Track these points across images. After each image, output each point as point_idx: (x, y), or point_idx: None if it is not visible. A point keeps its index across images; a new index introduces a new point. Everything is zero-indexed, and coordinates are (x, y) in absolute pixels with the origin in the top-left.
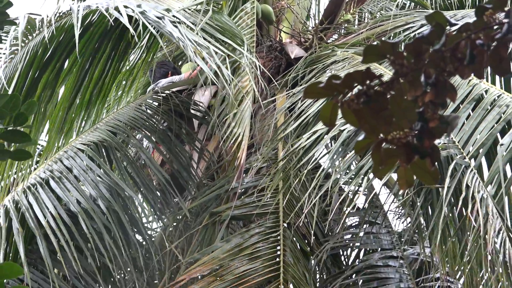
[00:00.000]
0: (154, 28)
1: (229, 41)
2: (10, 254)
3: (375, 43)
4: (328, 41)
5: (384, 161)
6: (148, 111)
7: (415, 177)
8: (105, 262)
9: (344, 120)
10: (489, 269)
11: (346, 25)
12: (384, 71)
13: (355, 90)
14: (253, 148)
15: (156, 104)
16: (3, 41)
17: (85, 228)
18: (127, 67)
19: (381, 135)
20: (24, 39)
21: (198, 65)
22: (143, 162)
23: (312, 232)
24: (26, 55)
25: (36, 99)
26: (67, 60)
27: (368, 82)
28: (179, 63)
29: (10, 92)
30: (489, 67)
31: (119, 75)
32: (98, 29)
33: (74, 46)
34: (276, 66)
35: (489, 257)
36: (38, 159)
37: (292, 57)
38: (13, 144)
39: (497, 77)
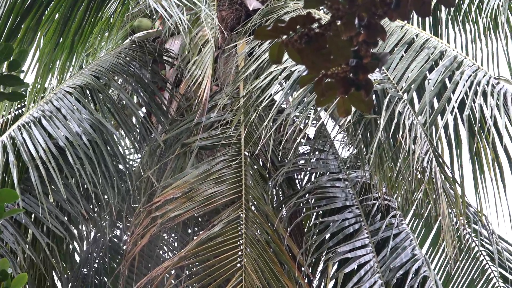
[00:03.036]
0: None
1: None
2: (8, 183)
3: None
4: None
5: (325, 93)
6: (127, 58)
7: (352, 107)
8: (89, 188)
9: (291, 59)
10: (419, 185)
11: None
12: (322, 15)
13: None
14: (218, 88)
15: (133, 51)
16: None
17: (71, 159)
18: (104, 18)
19: (322, 70)
20: None
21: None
22: (123, 103)
23: (269, 159)
24: (5, 2)
25: (17, 42)
26: (49, 7)
27: (309, 24)
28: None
29: None
30: (413, 11)
31: (98, 23)
32: None
33: None
34: (237, 17)
35: (419, 176)
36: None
37: (251, 9)
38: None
39: (427, 23)
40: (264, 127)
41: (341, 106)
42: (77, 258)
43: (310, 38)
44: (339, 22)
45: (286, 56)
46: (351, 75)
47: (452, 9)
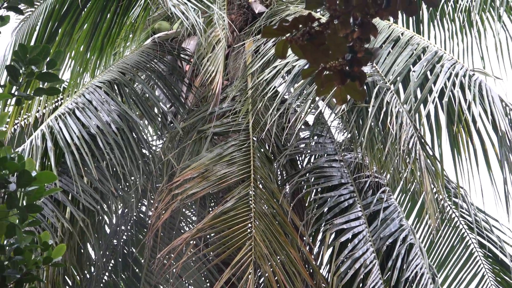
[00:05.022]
0: None
1: (204, 0)
2: (47, 166)
3: None
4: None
5: (324, 84)
6: (149, 56)
7: (348, 96)
8: (118, 170)
9: (294, 55)
10: (404, 165)
11: None
12: (322, 16)
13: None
14: (229, 82)
15: (154, 51)
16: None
17: (102, 145)
18: (129, 22)
19: (322, 64)
20: None
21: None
22: (146, 96)
23: (274, 143)
24: (45, 10)
25: (56, 45)
26: (82, 14)
27: (310, 23)
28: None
29: (33, 39)
30: (401, 10)
31: (124, 27)
32: None
33: (86, 3)
34: (244, 19)
35: (405, 156)
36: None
37: (256, 12)
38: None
39: (410, 23)
40: (269, 115)
41: (338, 95)
42: (108, 231)
43: (311, 35)
44: (336, 21)
45: (288, 52)
46: (347, 68)
47: (432, 8)
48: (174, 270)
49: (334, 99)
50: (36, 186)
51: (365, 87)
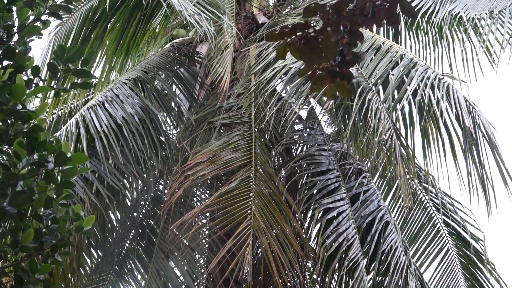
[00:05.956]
0: (165, 1)
1: (215, 11)
2: (79, 150)
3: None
4: (283, 12)
5: (317, 82)
6: (168, 58)
7: (337, 93)
8: (139, 155)
9: (292, 57)
10: (382, 154)
11: (294, 1)
12: (316, 23)
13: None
14: (235, 81)
15: (173, 53)
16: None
17: (126, 133)
18: (151, 29)
19: (315, 65)
20: (76, 4)
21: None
22: (165, 92)
23: (272, 133)
24: (80, 16)
25: (89, 46)
26: (111, 21)
27: (306, 30)
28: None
29: (70, 41)
30: (384, 21)
31: (147, 33)
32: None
33: (115, 11)
34: (249, 28)
35: (383, 147)
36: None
37: (260, 23)
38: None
39: (390, 34)
40: (268, 109)
41: (329, 92)
42: (129, 204)
43: (307, 40)
44: (328, 29)
45: (286, 56)
46: (337, 68)
47: (409, 21)
48: (184, 240)
49: (325, 97)
50: (70, 165)
51: (353, 85)
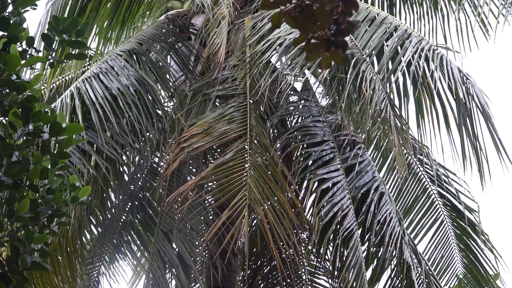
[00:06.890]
0: None
1: None
2: (74, 121)
3: None
4: None
5: (312, 51)
6: (163, 30)
7: (332, 62)
8: (135, 126)
9: (287, 28)
10: (377, 125)
11: None
12: None
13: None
14: (229, 53)
15: (167, 25)
16: None
17: (122, 104)
18: (146, 1)
19: (310, 33)
20: None
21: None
22: (160, 64)
23: (267, 105)
24: None
25: (85, 18)
26: None
27: None
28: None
29: (66, 12)
30: None
31: (142, 5)
32: None
33: None
34: (244, 0)
35: (378, 118)
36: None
37: None
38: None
39: (385, 6)
40: (263, 81)
41: (324, 61)
42: (126, 177)
43: (302, 8)
44: None
45: (281, 26)
46: (332, 37)
47: None
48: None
49: (319, 68)
50: (65, 136)
51: (347, 55)
